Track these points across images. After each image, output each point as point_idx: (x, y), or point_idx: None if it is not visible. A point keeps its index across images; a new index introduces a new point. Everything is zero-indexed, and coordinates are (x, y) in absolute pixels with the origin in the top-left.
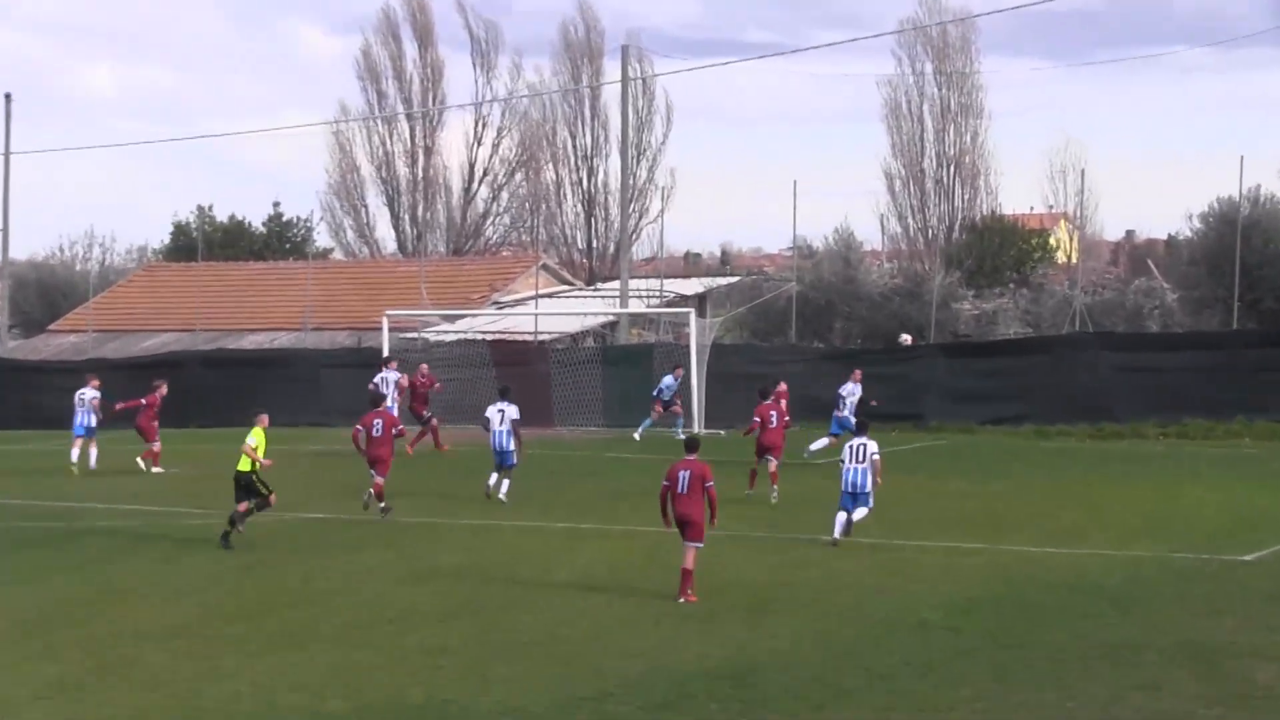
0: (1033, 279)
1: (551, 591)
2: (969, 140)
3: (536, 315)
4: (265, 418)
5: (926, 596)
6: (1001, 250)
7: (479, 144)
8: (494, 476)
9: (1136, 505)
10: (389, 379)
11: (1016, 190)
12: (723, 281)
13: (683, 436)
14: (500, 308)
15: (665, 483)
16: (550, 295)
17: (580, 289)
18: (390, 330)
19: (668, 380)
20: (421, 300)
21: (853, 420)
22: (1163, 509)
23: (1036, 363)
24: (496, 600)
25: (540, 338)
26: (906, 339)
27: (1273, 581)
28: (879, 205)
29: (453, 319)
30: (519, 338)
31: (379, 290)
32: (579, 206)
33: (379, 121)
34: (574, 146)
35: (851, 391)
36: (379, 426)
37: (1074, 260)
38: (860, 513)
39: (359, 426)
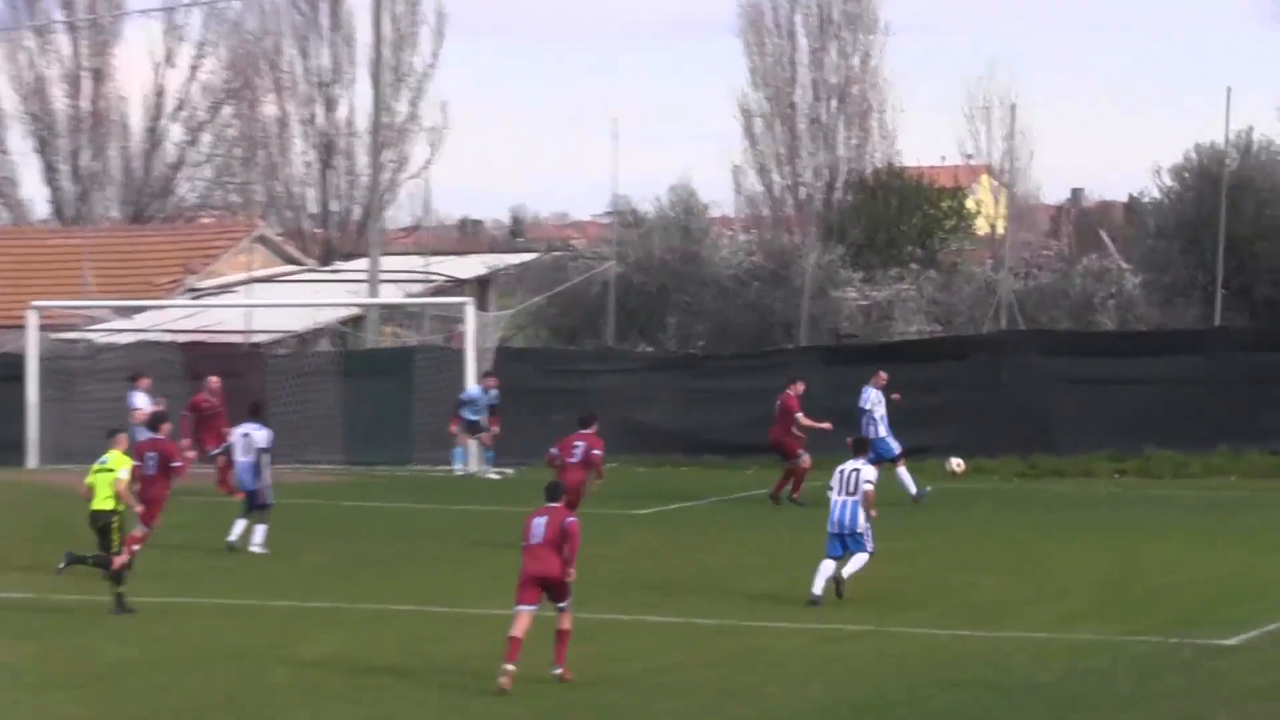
0: (944, 257)
1: (258, 709)
2: (858, 64)
3: (249, 307)
4: (124, 437)
5: (788, 701)
6: (901, 217)
7: (170, 66)
8: (239, 523)
9: (1082, 570)
10: (136, 400)
11: (923, 134)
12: (513, 260)
13: (491, 474)
14: (198, 296)
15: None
16: (270, 280)
17: (312, 270)
18: (41, 328)
19: (474, 391)
20: (85, 286)
21: (894, 446)
22: (1118, 575)
23: (948, 373)
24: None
25: (254, 339)
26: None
27: (1264, 673)
28: (732, 154)
29: (130, 312)
30: (224, 339)
31: (23, 272)
32: (312, 155)
33: (25, 33)
34: (305, 70)
35: (877, 401)
36: (152, 462)
37: (1000, 231)
38: (856, 562)
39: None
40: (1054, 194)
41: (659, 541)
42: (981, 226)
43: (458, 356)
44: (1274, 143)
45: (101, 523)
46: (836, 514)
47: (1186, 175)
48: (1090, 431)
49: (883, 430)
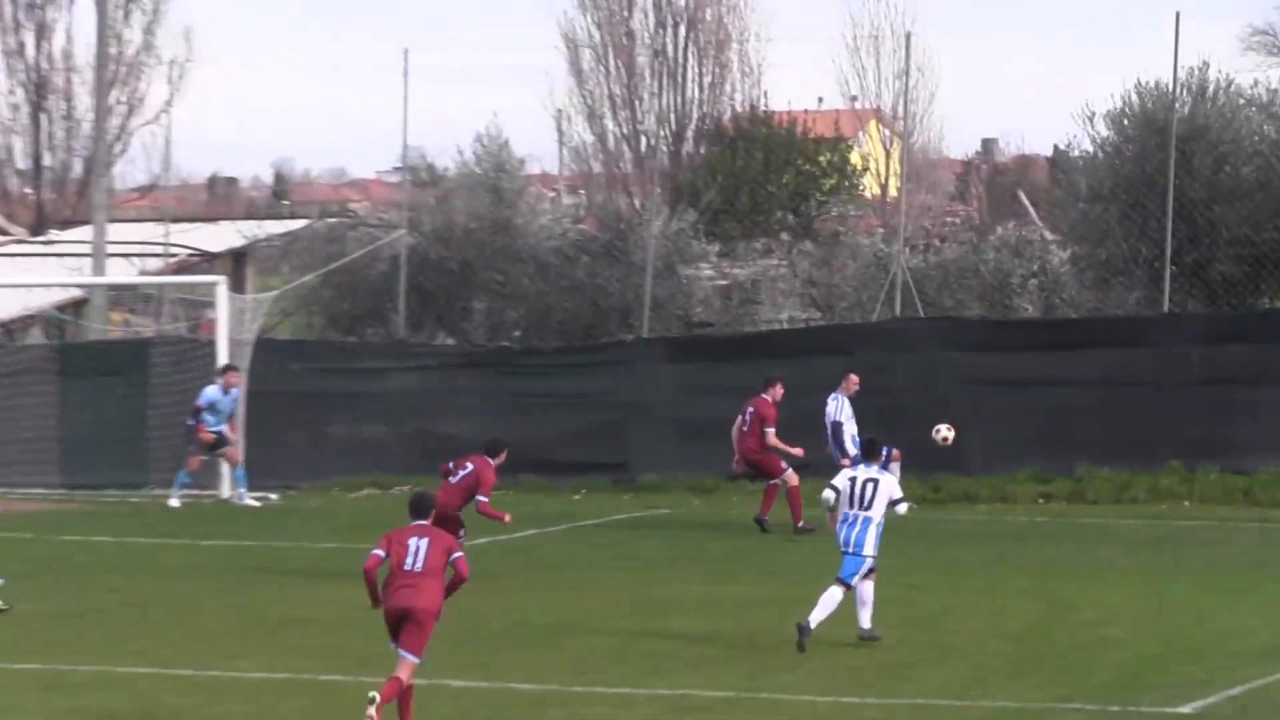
0: (822, 225)
1: None
2: None
3: None
4: None
5: None
6: (769, 175)
7: None
8: None
9: (997, 620)
10: None
11: (797, 70)
12: (276, 228)
13: (249, 499)
14: None
15: (378, 553)
16: None
17: (20, 242)
18: None
19: (212, 393)
20: None
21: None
22: (1043, 626)
23: (828, 372)
24: None
25: None
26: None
27: None
28: (553, 95)
29: None
30: None
31: None
32: (19, 94)
33: None
34: None
35: (849, 416)
36: None
37: (894, 193)
38: (869, 593)
39: None
40: (961, 147)
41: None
42: (870, 187)
43: (207, 350)
44: (1234, 82)
45: None
46: (846, 532)
47: (1126, 123)
48: (1008, 445)
49: (854, 448)
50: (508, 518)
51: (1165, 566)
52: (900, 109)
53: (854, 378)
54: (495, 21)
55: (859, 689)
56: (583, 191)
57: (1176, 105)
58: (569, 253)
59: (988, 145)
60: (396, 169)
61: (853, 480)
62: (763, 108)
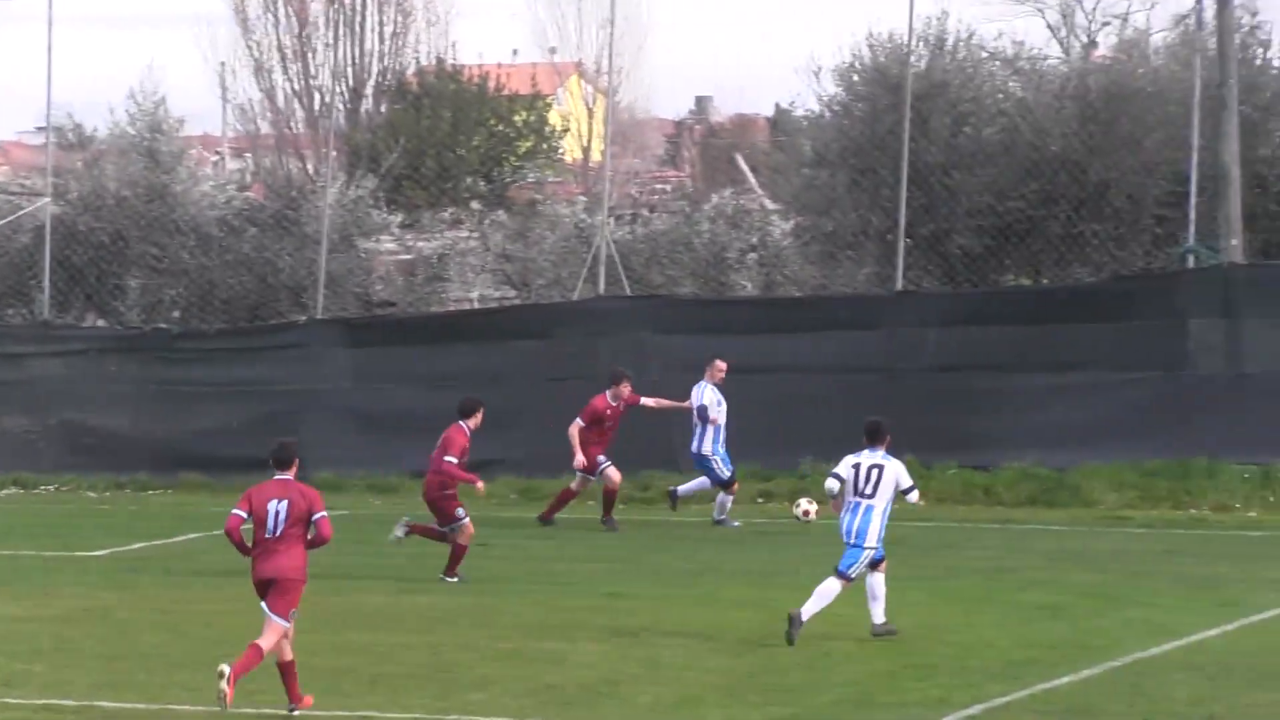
0: (518, 192)
1: None
2: None
3: None
4: None
5: None
6: (458, 136)
7: None
8: None
9: (714, 633)
10: None
11: (488, 20)
12: None
13: None
14: None
15: (239, 513)
16: None
17: None
18: None
19: None
20: None
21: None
22: (763, 640)
23: (525, 356)
24: None
25: None
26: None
27: None
28: (216, 46)
29: None
30: None
31: None
32: None
33: None
34: None
35: (717, 402)
36: None
37: (597, 157)
38: (880, 587)
39: None
40: (672, 106)
41: (117, 596)
42: (571, 150)
43: None
44: (975, 34)
45: None
46: (849, 520)
47: (856, 79)
48: (729, 438)
49: (720, 446)
50: (480, 484)
51: (899, 573)
52: (604, 63)
53: (721, 364)
54: None
55: (558, 710)
56: (249, 155)
57: (911, 59)
58: (234, 223)
59: (702, 104)
60: (39, 129)
61: (856, 467)
62: (451, 61)
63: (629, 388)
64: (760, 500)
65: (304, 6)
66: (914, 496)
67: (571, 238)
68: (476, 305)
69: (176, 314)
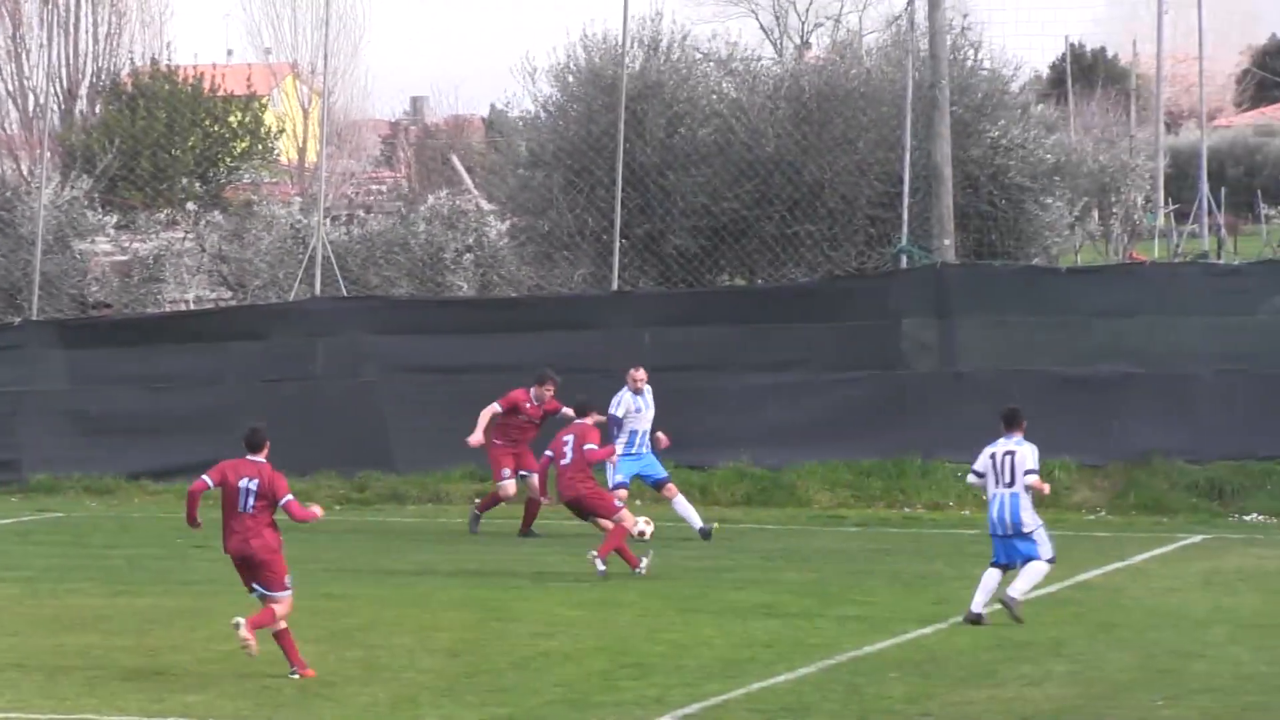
0: (234, 193)
1: None
2: None
3: None
4: None
5: None
6: (174, 137)
7: None
8: None
9: (432, 634)
10: None
11: (204, 21)
12: None
13: None
14: None
15: (206, 479)
16: None
17: None
18: None
19: None
20: None
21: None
22: (478, 640)
23: (242, 357)
24: None
25: None
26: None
27: None
28: None
29: None
30: None
31: None
32: None
33: None
34: None
35: (634, 410)
36: None
37: (313, 157)
38: (1031, 576)
39: None
40: (388, 106)
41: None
42: (287, 151)
43: None
44: (689, 34)
45: None
46: (995, 510)
47: (570, 80)
48: (442, 439)
49: (639, 446)
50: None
51: (614, 572)
52: (320, 64)
53: (636, 373)
54: None
55: (275, 710)
56: None
57: (626, 60)
58: None
59: (417, 104)
60: None
61: (993, 457)
62: (165, 62)
63: (552, 391)
64: (476, 500)
65: (17, 7)
66: (1031, 479)
67: (288, 239)
68: (193, 306)
69: None
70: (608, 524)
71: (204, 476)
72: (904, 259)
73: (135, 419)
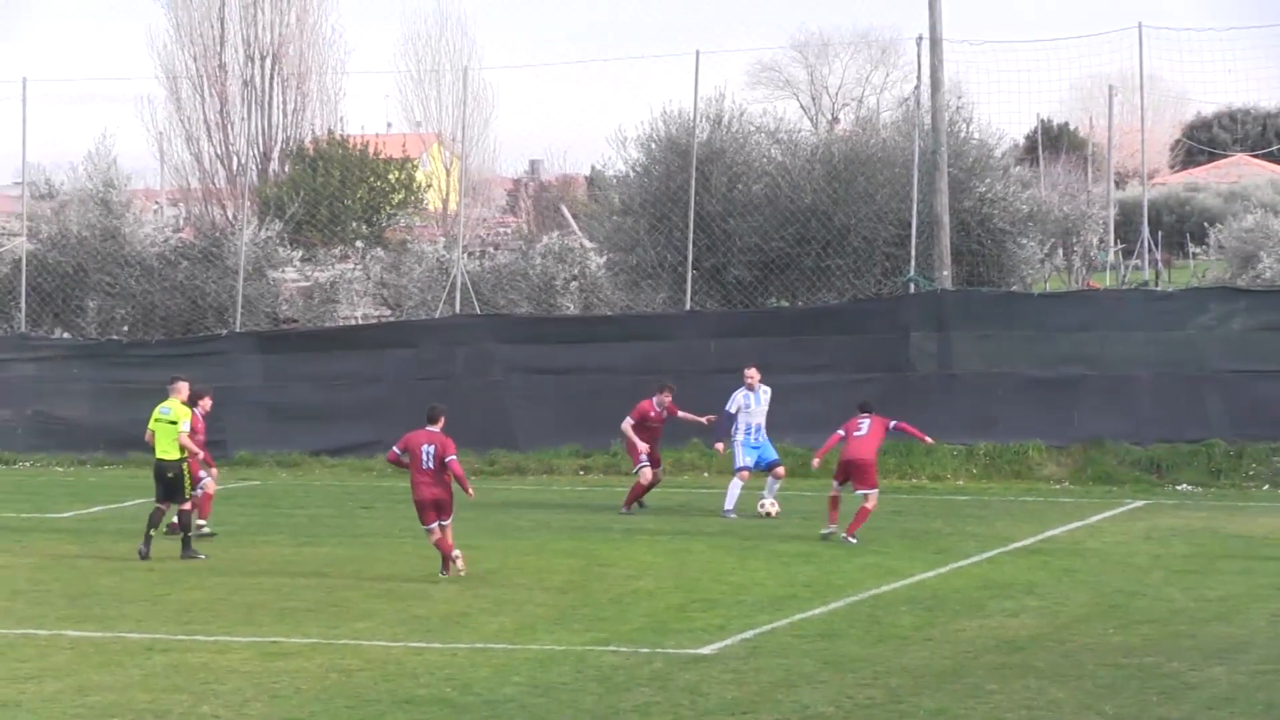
0: (392, 234)
1: None
2: (294, 21)
3: None
4: (184, 385)
5: None
6: (345, 190)
7: None
8: None
9: (543, 575)
10: None
11: (369, 98)
12: None
13: None
14: None
15: (395, 451)
16: None
17: None
18: None
19: None
20: None
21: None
22: (583, 581)
23: (398, 361)
24: None
25: None
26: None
27: (739, 685)
28: (155, 118)
29: None
30: None
31: None
32: None
33: None
34: None
35: (745, 405)
36: None
37: (453, 206)
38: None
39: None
40: (511, 166)
41: (79, 548)
42: (433, 201)
43: None
44: (745, 111)
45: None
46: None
47: (653, 147)
48: (553, 425)
49: (742, 436)
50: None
51: (687, 529)
52: (459, 134)
53: (749, 372)
54: (106, 52)
55: (425, 635)
56: (182, 204)
57: (696, 131)
58: (170, 258)
59: (535, 165)
60: (16, 183)
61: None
62: (339, 132)
63: (670, 397)
64: (581, 473)
65: (224, 88)
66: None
67: (434, 269)
68: (360, 321)
69: (126, 328)
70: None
71: (393, 449)
72: (912, 286)
73: (316, 409)
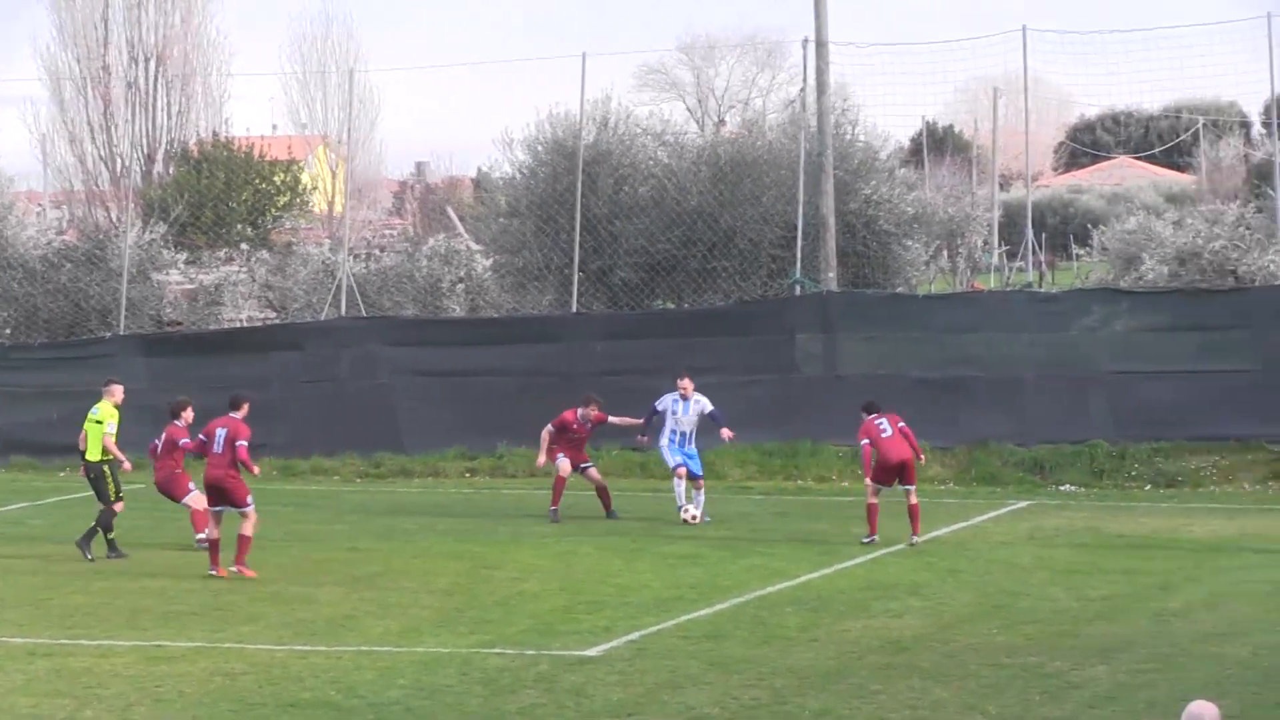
0: (277, 236)
1: None
2: (178, 23)
3: None
4: (118, 388)
5: None
6: (230, 193)
7: None
8: None
9: (428, 578)
10: None
11: (254, 101)
12: None
13: None
14: None
15: (201, 437)
16: None
17: None
18: None
19: None
20: None
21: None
22: (466, 583)
23: (283, 364)
24: None
25: None
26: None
27: (624, 686)
28: (39, 121)
29: None
30: None
31: None
32: None
33: None
34: None
35: (673, 410)
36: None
37: (339, 208)
38: None
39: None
40: (398, 169)
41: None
42: (319, 203)
43: None
44: (632, 114)
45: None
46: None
47: (540, 149)
48: (439, 427)
49: (667, 440)
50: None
51: (573, 531)
52: (344, 135)
53: (682, 382)
54: None
55: (310, 638)
56: (66, 206)
57: (583, 133)
58: (54, 260)
59: (421, 167)
60: None
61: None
62: (224, 134)
63: (596, 409)
64: (467, 475)
65: (107, 90)
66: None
67: (319, 271)
68: (246, 324)
69: (8, 331)
70: None
71: (200, 435)
72: (798, 288)
73: (202, 411)
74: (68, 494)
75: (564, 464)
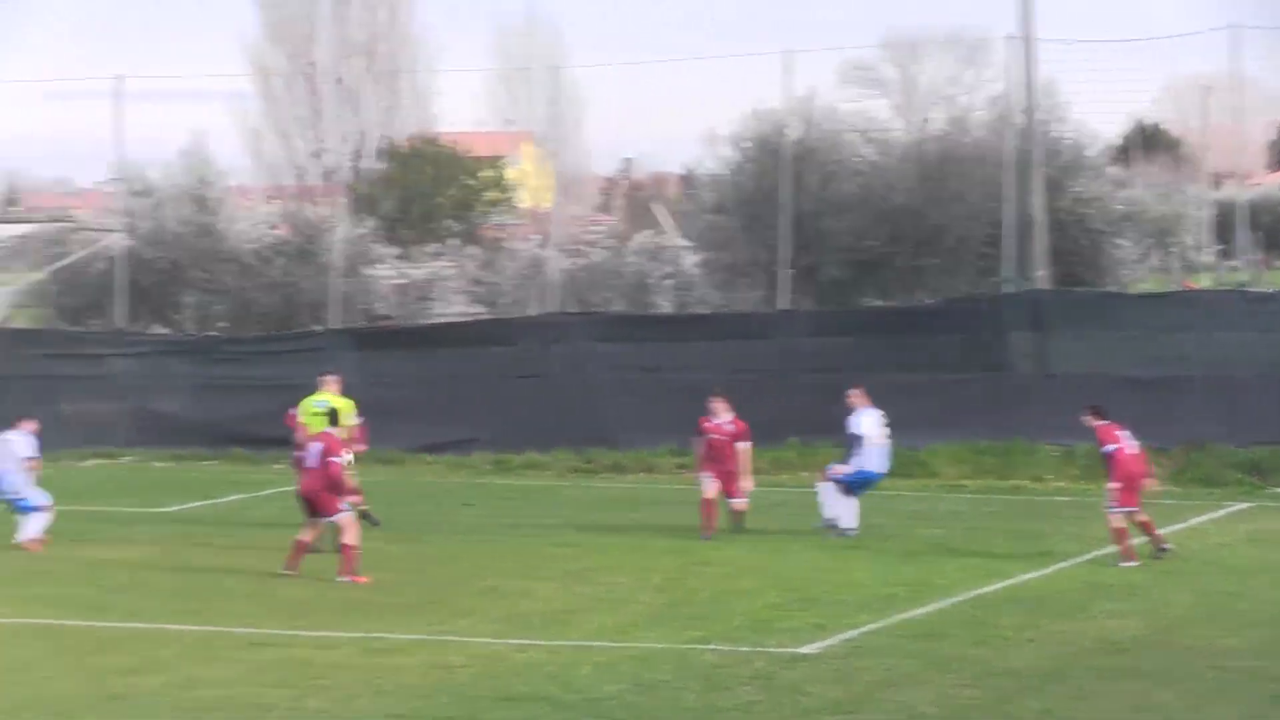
0: (485, 232)
1: None
2: (385, 18)
3: None
4: (334, 380)
5: (331, 718)
6: (438, 188)
7: None
8: None
9: (644, 574)
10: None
11: (460, 97)
12: (11, 230)
13: None
14: None
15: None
16: None
17: None
18: None
19: None
20: None
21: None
22: (683, 580)
23: (494, 359)
24: None
25: None
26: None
27: (841, 684)
28: (249, 116)
29: None
30: None
31: None
32: None
33: None
34: None
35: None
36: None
37: (547, 204)
38: None
39: None
40: (604, 165)
41: (181, 542)
42: (526, 199)
43: None
44: (838, 110)
45: None
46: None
47: (746, 145)
48: (651, 423)
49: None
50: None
51: (786, 528)
52: (551, 132)
53: (855, 392)
54: (197, 49)
55: (527, 632)
56: (277, 201)
57: (788, 131)
58: (265, 254)
59: (627, 163)
60: (113, 180)
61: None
62: (431, 130)
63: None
64: (679, 471)
65: (315, 86)
66: None
67: (528, 267)
68: (455, 319)
69: (223, 324)
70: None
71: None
72: (1009, 286)
73: (413, 405)
74: (282, 487)
75: (710, 485)
